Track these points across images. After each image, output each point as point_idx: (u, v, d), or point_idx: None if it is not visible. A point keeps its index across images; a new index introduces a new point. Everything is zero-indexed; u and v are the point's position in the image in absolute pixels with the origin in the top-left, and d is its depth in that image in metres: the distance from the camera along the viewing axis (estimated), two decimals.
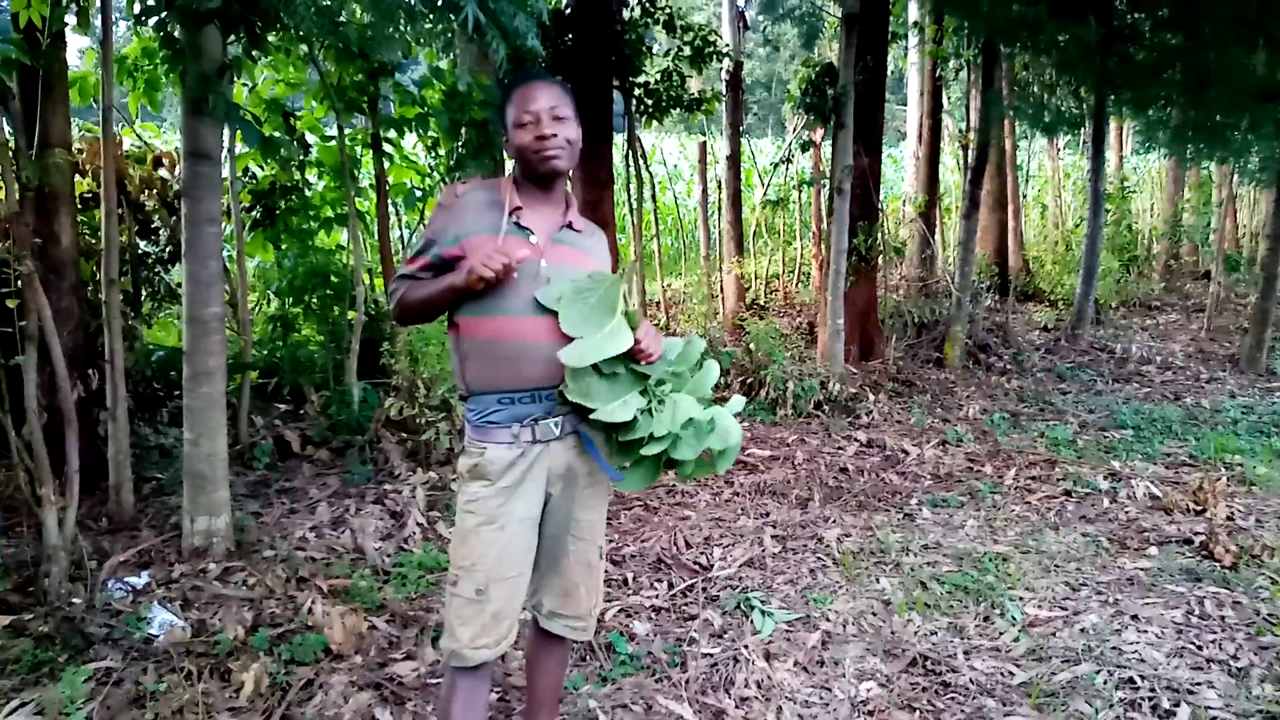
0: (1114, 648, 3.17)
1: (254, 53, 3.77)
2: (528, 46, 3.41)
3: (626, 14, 7.38)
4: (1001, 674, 3.02)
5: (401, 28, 3.64)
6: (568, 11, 6.84)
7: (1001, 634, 3.30)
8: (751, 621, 3.39)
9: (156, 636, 3.07)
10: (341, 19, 4.33)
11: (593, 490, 2.20)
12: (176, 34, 3.50)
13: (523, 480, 2.07)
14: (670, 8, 7.66)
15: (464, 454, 2.13)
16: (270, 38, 3.98)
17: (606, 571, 3.77)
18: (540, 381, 2.03)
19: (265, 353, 5.79)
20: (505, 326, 2.01)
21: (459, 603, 2.07)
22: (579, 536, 2.20)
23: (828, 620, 3.41)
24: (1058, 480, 5.11)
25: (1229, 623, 3.37)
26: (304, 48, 4.79)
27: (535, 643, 2.37)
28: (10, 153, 3.18)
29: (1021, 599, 3.58)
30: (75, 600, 3.20)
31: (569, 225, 2.13)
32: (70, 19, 3.85)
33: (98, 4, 3.70)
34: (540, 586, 2.26)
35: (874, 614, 3.47)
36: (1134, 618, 3.42)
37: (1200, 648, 3.19)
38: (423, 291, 2.07)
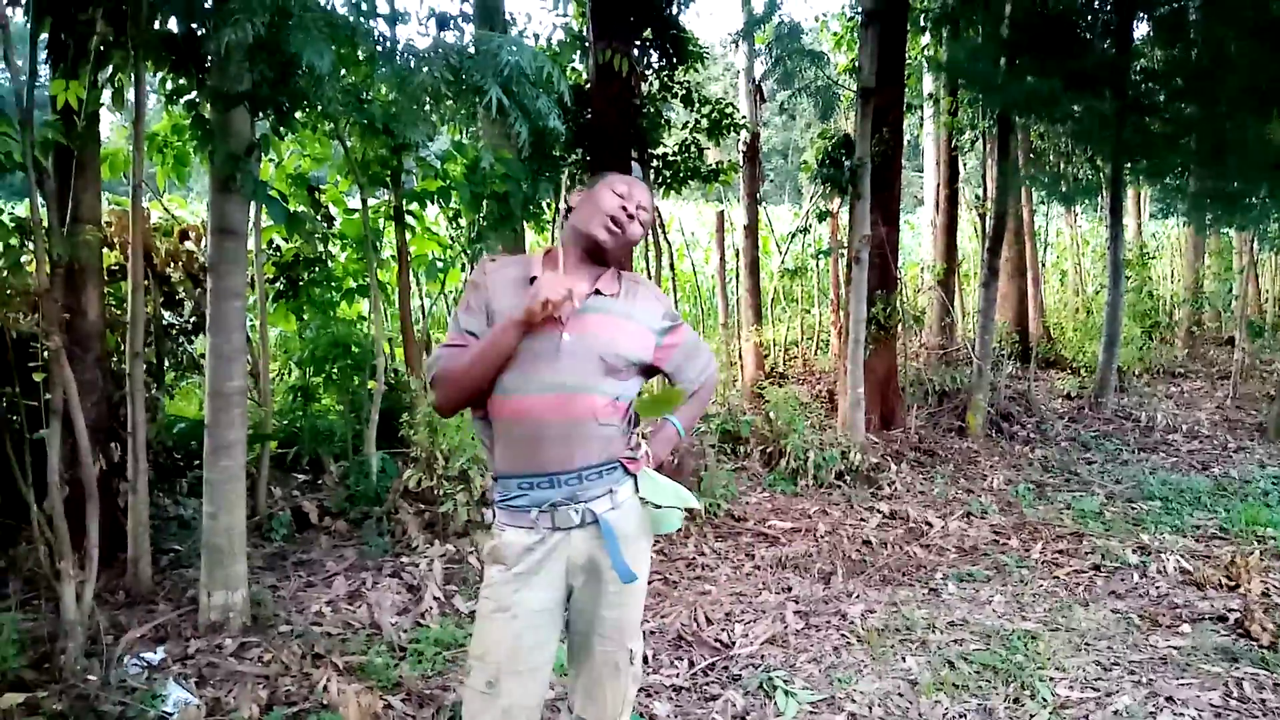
0: None
1: (281, 129, 3.86)
2: (549, 126, 3.48)
3: (645, 88, 7.52)
4: None
5: (426, 108, 3.72)
6: (588, 87, 6.97)
7: (1032, 716, 3.20)
8: (775, 702, 3.31)
9: (171, 715, 3.03)
10: (367, 97, 4.43)
11: (619, 588, 2.10)
12: (206, 114, 3.60)
13: (539, 569, 2.03)
14: (688, 82, 7.80)
15: (490, 535, 2.12)
16: (298, 115, 4.08)
17: None
18: (557, 465, 2.00)
19: (285, 423, 5.81)
20: (521, 405, 1.98)
21: (470, 695, 2.02)
22: (604, 635, 2.12)
23: (853, 701, 3.32)
24: (1086, 554, 5.01)
25: (1270, 706, 3.26)
26: (330, 124, 4.90)
27: None
28: (43, 231, 3.24)
29: (1052, 679, 3.48)
30: (91, 677, 3.17)
31: (596, 291, 2.08)
32: (105, 97, 3.96)
33: (132, 84, 3.81)
34: (571, 685, 2.21)
35: (900, 695, 3.38)
36: (1169, 699, 3.32)
37: None
38: (466, 356, 2.02)
